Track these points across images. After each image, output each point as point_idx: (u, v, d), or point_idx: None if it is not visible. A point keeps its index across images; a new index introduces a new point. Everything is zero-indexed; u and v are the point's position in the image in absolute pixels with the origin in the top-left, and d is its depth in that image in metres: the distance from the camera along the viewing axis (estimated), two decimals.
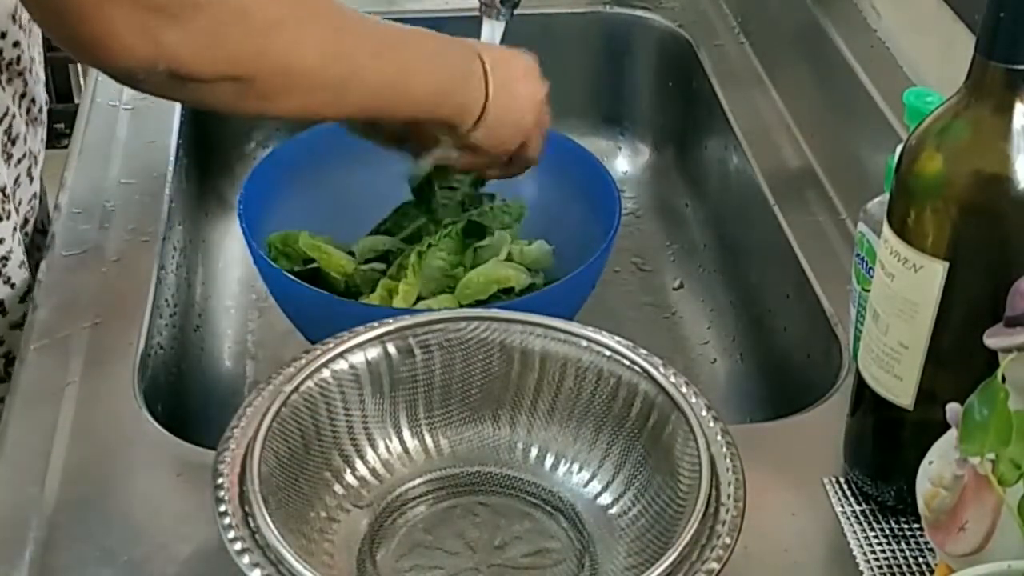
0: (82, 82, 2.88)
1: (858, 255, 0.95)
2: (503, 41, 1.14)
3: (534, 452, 0.87)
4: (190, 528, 0.84)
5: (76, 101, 2.86)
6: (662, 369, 0.84)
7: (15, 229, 1.04)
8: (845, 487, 0.88)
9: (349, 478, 0.84)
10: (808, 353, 1.07)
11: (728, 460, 0.78)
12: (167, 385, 1.04)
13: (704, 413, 0.81)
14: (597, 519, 0.84)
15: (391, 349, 0.86)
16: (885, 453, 0.86)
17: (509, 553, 0.82)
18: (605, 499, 0.84)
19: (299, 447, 0.82)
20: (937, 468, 0.73)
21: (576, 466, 0.86)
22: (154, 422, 0.93)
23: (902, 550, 0.84)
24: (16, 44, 1.05)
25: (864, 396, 0.84)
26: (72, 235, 1.09)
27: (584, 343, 0.86)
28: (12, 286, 1.04)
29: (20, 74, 1.06)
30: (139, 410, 0.93)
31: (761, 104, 1.31)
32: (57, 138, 2.88)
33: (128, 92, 1.30)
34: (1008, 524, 0.67)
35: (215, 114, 1.38)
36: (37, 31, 1.10)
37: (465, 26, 1.22)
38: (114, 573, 0.82)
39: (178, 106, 1.28)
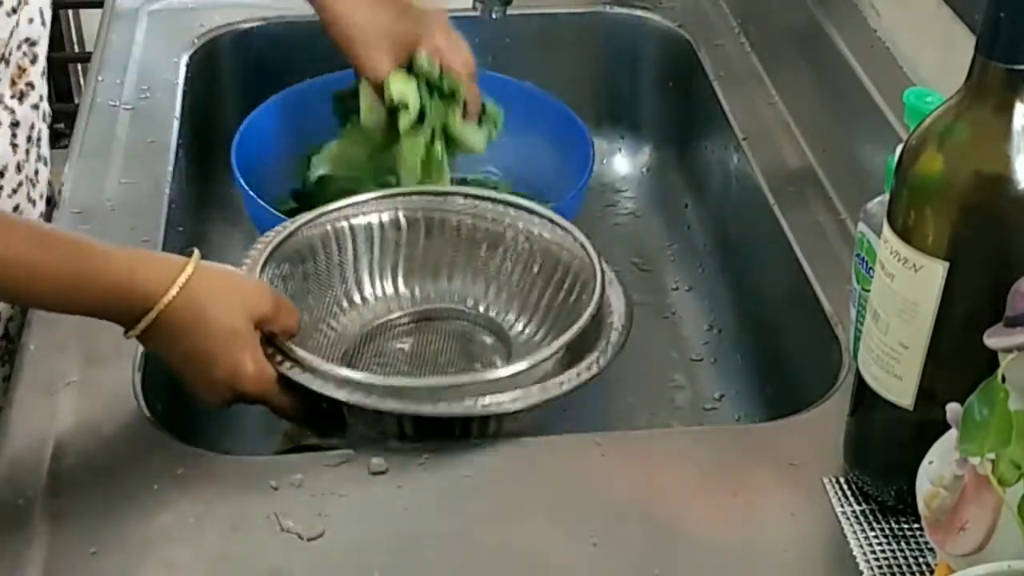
0: (82, 82, 2.88)
1: (858, 255, 0.95)
2: (498, 37, 1.15)
3: (482, 305, 1.12)
4: (190, 528, 0.84)
5: (76, 101, 2.86)
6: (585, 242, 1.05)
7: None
8: (845, 487, 0.88)
9: (343, 313, 1.10)
10: (808, 353, 1.07)
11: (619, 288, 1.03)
12: (167, 385, 1.04)
13: (610, 274, 1.04)
14: (519, 342, 1.09)
15: (384, 218, 1.10)
16: (885, 453, 0.86)
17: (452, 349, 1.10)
18: (528, 331, 1.10)
19: (300, 287, 1.06)
20: (937, 468, 0.73)
21: (512, 316, 1.11)
22: (154, 422, 0.93)
23: (902, 550, 0.84)
24: None
25: (864, 396, 0.84)
26: None
27: (536, 219, 1.09)
28: None
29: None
30: (139, 410, 0.94)
31: (761, 104, 1.31)
32: (57, 138, 2.89)
33: (128, 92, 1.30)
34: (1008, 524, 0.67)
35: (215, 115, 1.38)
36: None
37: (464, 26, 1.23)
38: (114, 573, 0.82)
39: (178, 106, 1.29)
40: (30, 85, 1.08)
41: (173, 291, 0.90)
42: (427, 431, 0.95)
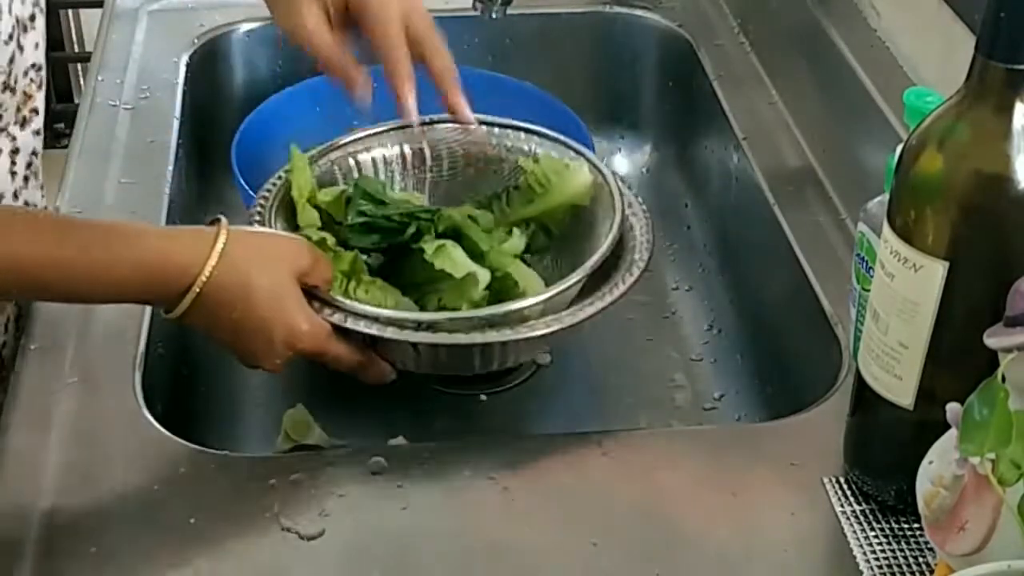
0: (82, 82, 2.88)
1: (858, 255, 0.95)
2: (498, 38, 1.14)
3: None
4: (190, 527, 0.84)
5: (76, 101, 2.86)
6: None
7: None
8: (845, 487, 0.88)
9: None
10: (808, 353, 1.08)
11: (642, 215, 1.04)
12: (167, 385, 1.04)
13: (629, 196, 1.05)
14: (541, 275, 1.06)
15: (390, 152, 1.10)
16: (885, 453, 0.86)
17: None
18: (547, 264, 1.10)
19: None
20: (937, 468, 0.73)
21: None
22: (154, 422, 0.93)
23: (902, 550, 0.84)
24: None
25: (864, 396, 0.84)
26: None
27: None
28: None
29: None
30: (139, 410, 0.94)
31: (761, 104, 1.31)
32: (57, 138, 2.89)
33: (128, 92, 1.30)
34: (1008, 524, 0.67)
35: (215, 115, 1.38)
36: None
37: (464, 26, 1.23)
38: (114, 573, 0.82)
39: (178, 106, 1.29)
40: (34, 111, 1.05)
41: (212, 261, 0.88)
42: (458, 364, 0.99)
